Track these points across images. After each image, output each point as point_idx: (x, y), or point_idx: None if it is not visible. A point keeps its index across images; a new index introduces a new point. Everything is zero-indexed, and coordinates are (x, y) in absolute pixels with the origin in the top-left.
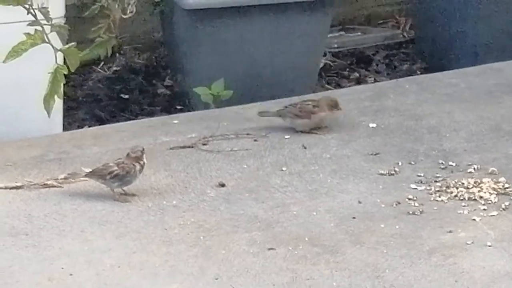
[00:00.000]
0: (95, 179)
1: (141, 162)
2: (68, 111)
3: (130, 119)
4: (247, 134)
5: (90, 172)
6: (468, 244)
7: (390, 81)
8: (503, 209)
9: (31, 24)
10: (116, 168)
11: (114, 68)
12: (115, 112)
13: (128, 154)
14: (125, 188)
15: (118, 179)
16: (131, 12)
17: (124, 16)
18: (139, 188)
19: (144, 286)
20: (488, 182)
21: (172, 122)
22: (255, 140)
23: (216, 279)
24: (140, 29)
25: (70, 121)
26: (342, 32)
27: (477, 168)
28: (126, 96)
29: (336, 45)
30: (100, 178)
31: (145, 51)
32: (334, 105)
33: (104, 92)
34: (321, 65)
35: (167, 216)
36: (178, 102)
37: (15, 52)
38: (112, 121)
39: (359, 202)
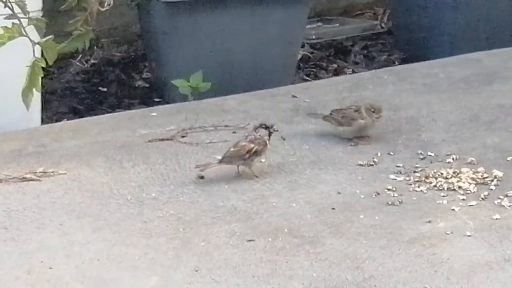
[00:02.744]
0: (234, 163)
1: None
2: (46, 104)
3: (108, 112)
4: (226, 126)
5: (226, 157)
6: (447, 234)
7: (368, 72)
8: (482, 198)
9: (8, 17)
10: (253, 145)
11: (92, 61)
12: (93, 105)
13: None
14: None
15: (256, 154)
16: (108, 4)
17: (102, 9)
18: (118, 181)
19: (123, 278)
20: (467, 172)
21: (151, 115)
22: (233, 132)
23: (196, 271)
24: (118, 22)
25: (48, 115)
26: (320, 23)
27: (456, 158)
28: (104, 89)
29: (314, 37)
30: (240, 159)
31: (123, 44)
32: (374, 112)
33: (82, 85)
34: (299, 56)
35: (146, 209)
36: (156, 94)
37: None
38: (90, 114)
39: (338, 193)
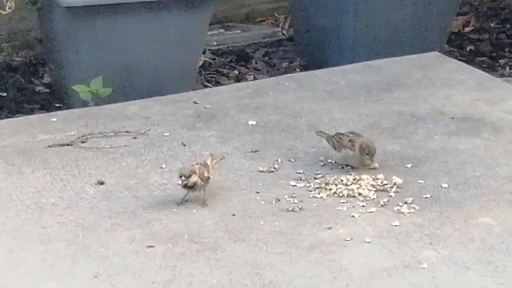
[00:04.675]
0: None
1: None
2: None
3: (8, 117)
4: (127, 131)
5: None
6: (347, 240)
7: (269, 79)
8: (382, 205)
9: None
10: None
11: None
12: None
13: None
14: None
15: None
16: (9, 8)
17: (3, 12)
18: (17, 187)
19: (22, 284)
20: (367, 179)
21: (51, 120)
22: (134, 138)
23: (96, 277)
24: (18, 27)
25: None
26: (221, 30)
27: (356, 167)
28: (4, 94)
29: (215, 43)
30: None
31: (23, 48)
32: (367, 154)
33: None
34: (201, 62)
35: (46, 215)
36: (57, 100)
37: None
38: None
39: (237, 199)
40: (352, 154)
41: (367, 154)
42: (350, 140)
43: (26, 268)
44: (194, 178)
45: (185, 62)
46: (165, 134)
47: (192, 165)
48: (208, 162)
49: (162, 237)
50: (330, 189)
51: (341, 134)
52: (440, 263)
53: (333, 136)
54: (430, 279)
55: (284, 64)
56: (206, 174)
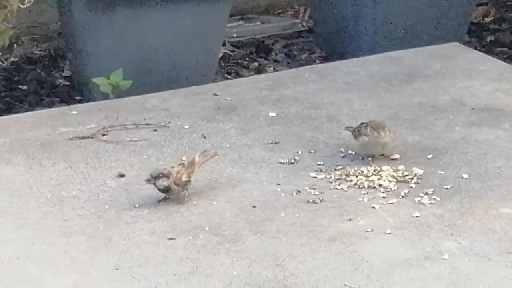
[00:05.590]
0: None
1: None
2: None
3: (28, 111)
4: (147, 124)
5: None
6: (367, 231)
7: (289, 70)
8: (402, 196)
9: None
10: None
11: (12, 59)
12: (13, 103)
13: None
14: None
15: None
16: (29, 1)
17: (22, 6)
18: (38, 180)
19: (43, 277)
20: (388, 170)
21: (71, 113)
22: (154, 130)
23: (117, 269)
24: (38, 19)
25: None
26: (241, 22)
27: (376, 156)
28: (24, 87)
29: (235, 35)
30: None
31: (43, 41)
32: (374, 129)
33: (2, 84)
34: (220, 54)
35: (67, 207)
36: (77, 92)
37: None
38: (10, 112)
39: (260, 191)
40: (368, 139)
41: (374, 128)
42: (366, 127)
43: (47, 260)
44: (163, 182)
45: (205, 54)
46: (186, 126)
47: (172, 167)
48: (196, 159)
49: (182, 229)
50: (351, 181)
51: (363, 123)
52: (461, 254)
53: (356, 128)
54: (451, 270)
55: (304, 56)
56: (184, 178)
